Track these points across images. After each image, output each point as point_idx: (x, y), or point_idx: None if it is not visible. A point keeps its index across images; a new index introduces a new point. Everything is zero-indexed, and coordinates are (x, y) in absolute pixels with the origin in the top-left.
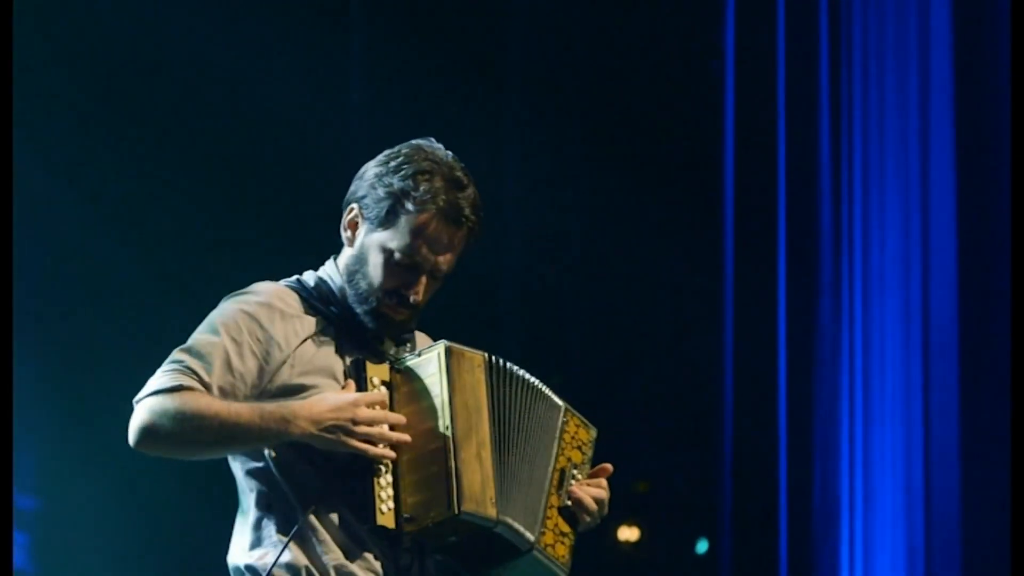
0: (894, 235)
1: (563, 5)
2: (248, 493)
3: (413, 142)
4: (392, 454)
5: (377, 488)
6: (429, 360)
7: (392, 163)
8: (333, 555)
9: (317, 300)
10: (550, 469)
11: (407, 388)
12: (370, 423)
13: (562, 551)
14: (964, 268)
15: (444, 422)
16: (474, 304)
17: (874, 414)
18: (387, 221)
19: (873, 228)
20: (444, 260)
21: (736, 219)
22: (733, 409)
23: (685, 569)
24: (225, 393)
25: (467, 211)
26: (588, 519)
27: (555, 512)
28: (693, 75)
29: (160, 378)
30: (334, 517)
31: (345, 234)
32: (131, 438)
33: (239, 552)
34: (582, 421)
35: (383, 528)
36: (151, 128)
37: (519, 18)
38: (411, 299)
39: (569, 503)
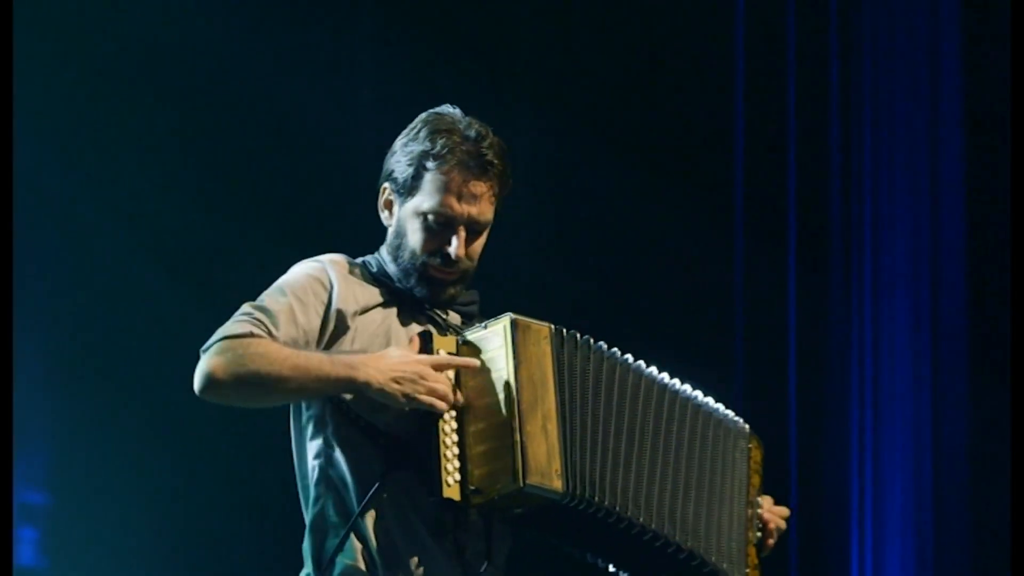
0: (904, 234)
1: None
2: (310, 476)
3: (430, 110)
4: (451, 410)
5: (443, 461)
6: (495, 332)
7: (412, 132)
8: (384, 548)
9: (380, 275)
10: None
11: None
12: (436, 381)
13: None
14: (973, 268)
15: (511, 395)
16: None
17: (883, 414)
18: (414, 186)
19: (883, 227)
20: (478, 211)
21: (746, 219)
22: (742, 409)
23: None
24: (289, 346)
25: (489, 156)
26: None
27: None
28: (704, 73)
29: (229, 327)
30: (390, 504)
31: (383, 215)
32: (197, 384)
33: (309, 535)
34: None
35: (449, 501)
36: (162, 126)
37: (530, 12)
38: (453, 255)
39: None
